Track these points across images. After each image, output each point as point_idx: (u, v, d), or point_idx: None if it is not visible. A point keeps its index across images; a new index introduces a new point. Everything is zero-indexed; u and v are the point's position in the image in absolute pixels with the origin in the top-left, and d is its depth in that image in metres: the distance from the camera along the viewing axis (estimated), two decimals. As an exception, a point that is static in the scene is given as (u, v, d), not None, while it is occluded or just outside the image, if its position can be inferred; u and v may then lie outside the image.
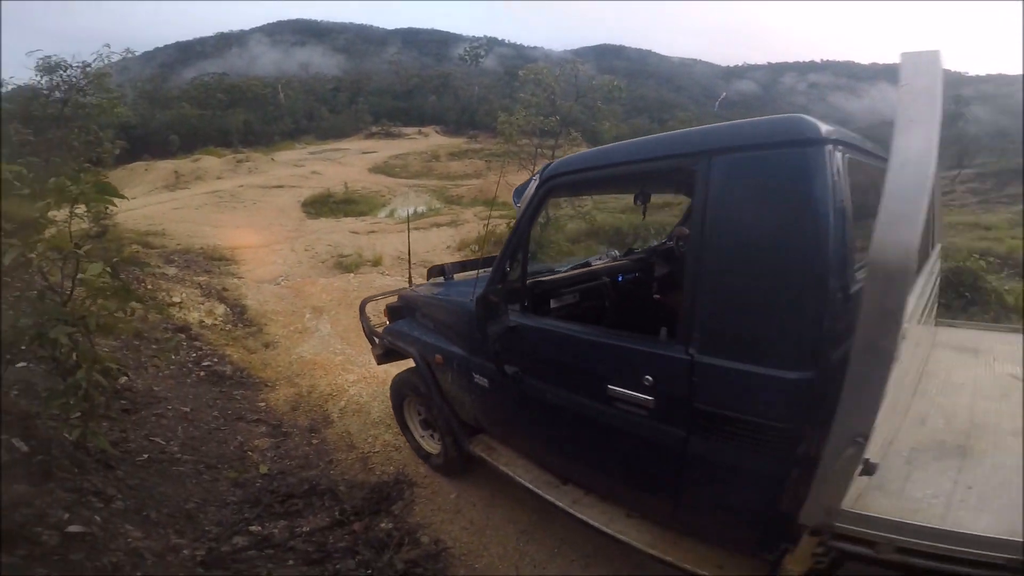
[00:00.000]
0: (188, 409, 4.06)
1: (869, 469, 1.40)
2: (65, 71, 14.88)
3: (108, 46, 14.80)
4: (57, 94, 14.86)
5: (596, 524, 2.21)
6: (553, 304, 2.69)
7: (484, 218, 14.47)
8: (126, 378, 3.61)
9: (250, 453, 3.77)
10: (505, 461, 2.77)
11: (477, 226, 13.66)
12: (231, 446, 3.81)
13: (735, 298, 1.66)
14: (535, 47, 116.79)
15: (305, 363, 5.41)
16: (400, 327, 3.35)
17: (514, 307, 2.42)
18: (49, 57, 14.65)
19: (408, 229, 5.03)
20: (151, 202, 18.73)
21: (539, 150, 21.04)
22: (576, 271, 3.14)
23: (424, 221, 15.49)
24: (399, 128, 46.85)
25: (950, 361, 2.41)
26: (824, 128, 1.51)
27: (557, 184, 2.28)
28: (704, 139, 1.79)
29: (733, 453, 1.66)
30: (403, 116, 50.95)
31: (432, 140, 43.77)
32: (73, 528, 2.26)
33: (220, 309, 6.55)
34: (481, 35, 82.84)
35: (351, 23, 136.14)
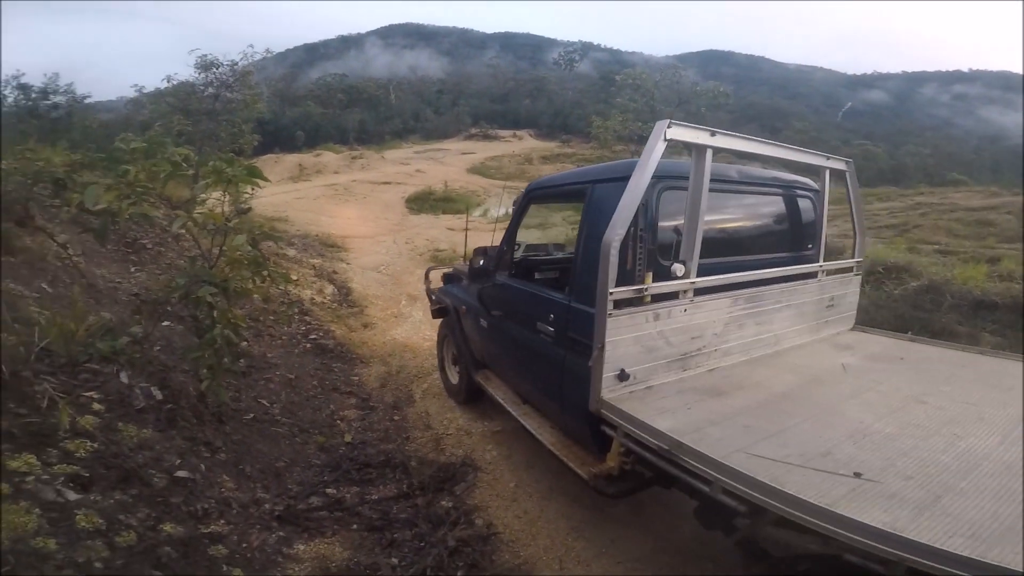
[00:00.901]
0: (293, 376, 4.39)
1: (623, 376, 2.22)
2: (217, 69, 16.68)
3: (252, 46, 16.47)
4: (210, 90, 16.65)
5: (531, 429, 2.99)
6: (535, 274, 3.61)
7: (572, 223, 14.43)
8: (246, 343, 3.99)
9: (339, 422, 4.06)
10: (493, 386, 3.62)
11: (565, 229, 13.55)
12: (324, 414, 4.09)
13: (587, 267, 2.40)
14: (633, 52, 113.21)
15: (397, 345, 5.73)
16: (446, 288, 4.48)
17: (503, 273, 3.41)
18: (206, 55, 16.51)
19: (466, 227, 6.17)
20: (277, 191, 20.44)
21: (635, 156, 20.15)
22: (544, 255, 4.20)
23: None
24: (495, 131, 47.76)
25: (814, 351, 2.92)
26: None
27: (535, 196, 3.39)
28: (594, 173, 2.80)
29: (580, 364, 2.31)
30: (499, 119, 51.82)
31: (526, 143, 44.14)
32: (181, 473, 2.44)
33: (329, 289, 7.12)
34: (576, 40, 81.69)
35: (454, 27, 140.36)
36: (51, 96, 20.26)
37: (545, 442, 2.81)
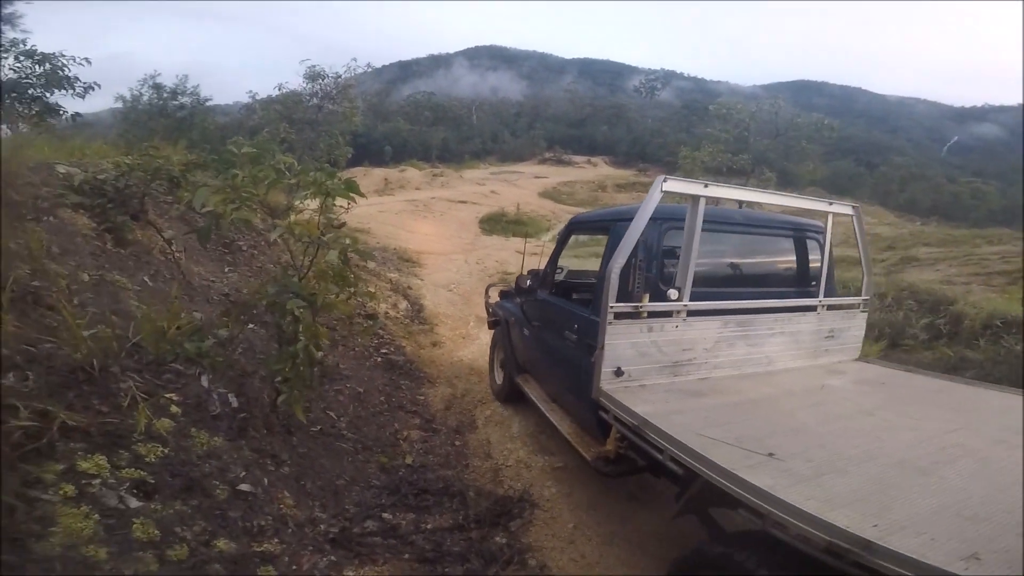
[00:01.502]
0: (362, 391, 4.32)
1: (619, 373, 2.70)
2: (323, 80, 17.48)
3: (355, 60, 17.12)
4: (314, 100, 17.47)
5: (554, 421, 3.47)
6: (571, 293, 3.97)
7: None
8: (322, 353, 3.97)
9: (402, 442, 3.96)
10: (530, 387, 4.09)
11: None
12: (388, 432, 4.01)
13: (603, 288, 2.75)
14: (719, 81, 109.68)
15: (464, 366, 5.59)
16: (501, 303, 5.07)
17: (544, 291, 3.95)
18: (315, 66, 17.39)
19: (524, 250, 6.65)
20: (362, 204, 21.25)
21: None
22: (580, 280, 4.40)
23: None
24: (570, 156, 47.66)
25: (805, 373, 3.20)
26: (658, 211, 2.78)
27: (575, 227, 4.02)
28: (617, 213, 3.40)
29: (590, 364, 2.78)
30: (575, 144, 51.64)
31: (600, 170, 43.64)
32: (243, 487, 2.37)
33: (403, 304, 7.13)
34: (658, 68, 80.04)
35: (534, 51, 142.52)
36: (179, 97, 21.50)
37: (563, 431, 3.31)
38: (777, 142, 19.84)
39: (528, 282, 4.13)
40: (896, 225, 23.80)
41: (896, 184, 34.96)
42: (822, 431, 2.21)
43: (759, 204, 3.64)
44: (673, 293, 2.81)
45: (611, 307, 2.62)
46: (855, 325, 3.64)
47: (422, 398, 4.76)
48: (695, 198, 2.77)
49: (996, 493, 1.64)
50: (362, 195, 3.25)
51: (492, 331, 5.13)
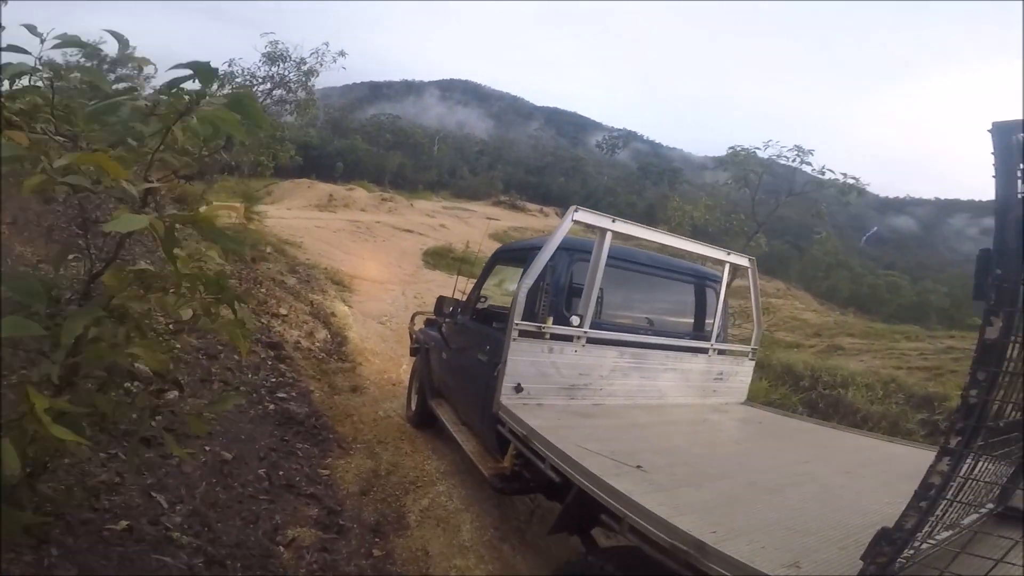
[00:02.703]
0: (230, 456, 3.12)
1: (518, 389, 2.88)
2: (284, 63, 13.86)
3: (327, 45, 13.81)
4: (267, 85, 13.92)
5: (460, 442, 3.58)
6: (492, 320, 4.02)
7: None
8: (176, 394, 2.93)
9: (281, 549, 2.61)
10: (442, 411, 4.20)
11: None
12: (260, 531, 2.65)
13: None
14: (673, 148, 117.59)
15: (392, 426, 4.75)
16: (425, 330, 5.26)
17: (465, 316, 4.14)
18: (278, 45, 13.68)
19: (456, 280, 6.06)
20: (301, 216, 20.49)
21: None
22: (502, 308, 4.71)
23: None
24: (524, 202, 48.20)
25: (693, 409, 3.54)
26: (570, 242, 3.15)
27: (498, 258, 4.21)
28: (535, 242, 3.60)
29: (495, 382, 2.93)
30: (531, 190, 52.72)
31: (550, 220, 43.82)
32: None
33: (322, 334, 6.62)
34: (620, 127, 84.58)
35: (507, 92, 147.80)
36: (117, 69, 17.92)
37: (467, 450, 3.44)
38: (797, 199, 18.09)
39: (451, 308, 4.35)
40: (820, 312, 25.64)
41: (822, 271, 37.61)
42: (691, 452, 2.48)
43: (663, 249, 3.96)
44: (575, 319, 3.06)
45: (516, 324, 2.82)
46: (743, 371, 4.01)
47: (326, 473, 3.55)
48: (603, 231, 3.04)
49: (829, 513, 1.81)
50: (263, 124, 1.85)
51: (414, 359, 5.30)
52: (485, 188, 49.88)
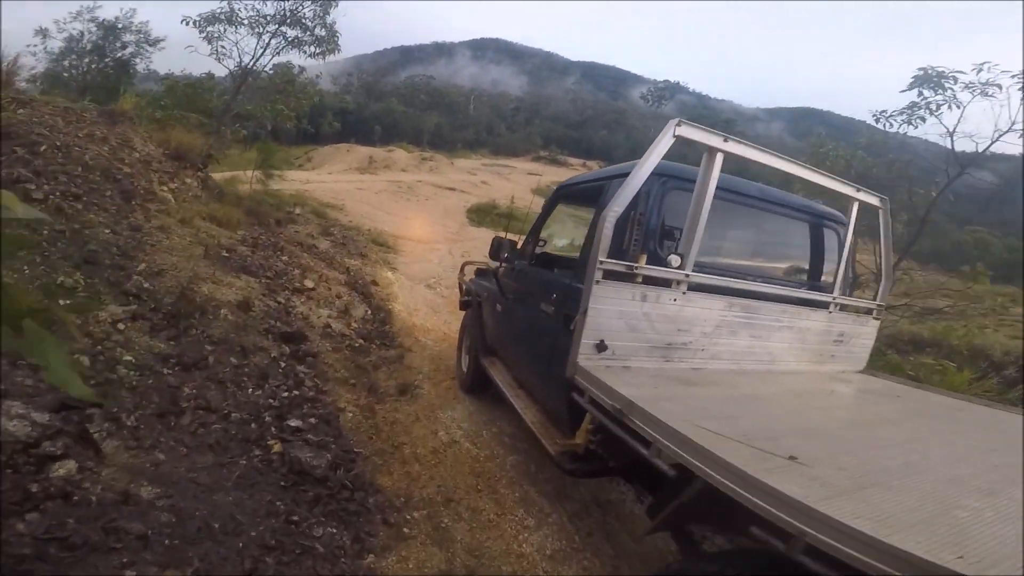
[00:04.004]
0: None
1: (601, 347, 2.23)
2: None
3: None
4: (275, 24, 11.59)
5: (518, 408, 3.07)
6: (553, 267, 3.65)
7: None
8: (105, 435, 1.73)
9: None
10: (496, 371, 3.68)
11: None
12: None
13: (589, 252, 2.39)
14: (722, 100, 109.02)
15: (461, 461, 3.17)
16: (476, 280, 4.55)
17: (523, 262, 3.56)
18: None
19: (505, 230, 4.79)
20: (342, 180, 19.82)
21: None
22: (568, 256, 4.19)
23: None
24: (565, 156, 45.97)
25: (809, 377, 2.82)
26: (663, 167, 2.34)
27: (562, 195, 3.54)
28: (613, 170, 2.81)
29: (567, 339, 2.32)
30: (571, 145, 50.14)
31: (596, 173, 42.18)
32: None
33: (360, 310, 5.06)
34: (662, 79, 77.52)
35: (540, 49, 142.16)
36: (123, 35, 15.52)
37: (527, 420, 2.88)
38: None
39: (506, 253, 3.70)
40: (900, 269, 22.72)
41: (901, 223, 33.93)
42: (843, 437, 1.84)
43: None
44: (675, 259, 2.37)
45: (601, 262, 2.16)
46: (866, 333, 3.27)
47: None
48: (712, 151, 2.34)
49: None
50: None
51: (464, 313, 4.58)
52: (524, 144, 47.75)
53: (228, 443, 2.61)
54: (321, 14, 9.17)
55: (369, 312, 5.09)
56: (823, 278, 3.10)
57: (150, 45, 13.80)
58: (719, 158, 2.34)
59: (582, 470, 2.34)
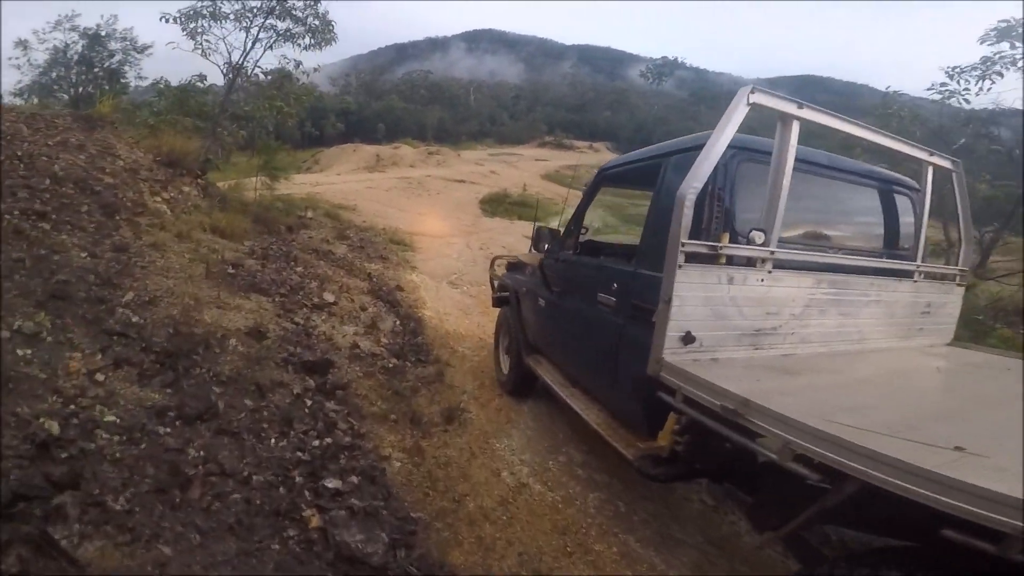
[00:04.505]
0: None
1: (688, 339, 1.99)
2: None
3: None
4: (262, 17, 10.62)
5: (576, 408, 2.79)
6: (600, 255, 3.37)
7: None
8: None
9: None
10: (543, 369, 3.36)
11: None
12: None
13: (656, 232, 2.23)
14: (721, 73, 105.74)
15: (538, 505, 2.62)
16: (510, 274, 4.35)
17: (568, 252, 3.25)
18: None
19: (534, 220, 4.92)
20: (351, 180, 19.28)
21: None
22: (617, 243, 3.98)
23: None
24: (571, 140, 44.76)
25: (902, 355, 2.59)
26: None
27: (605, 176, 3.22)
28: (668, 146, 2.58)
29: (639, 332, 2.17)
30: (575, 128, 48.75)
31: (602, 155, 41.00)
32: None
33: (388, 322, 4.38)
34: (659, 56, 75.09)
35: (533, 36, 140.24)
36: (107, 43, 14.62)
37: (590, 421, 2.63)
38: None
39: (547, 244, 3.39)
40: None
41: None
42: (988, 418, 1.66)
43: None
44: (758, 235, 2.09)
45: (683, 244, 1.91)
46: (952, 301, 3.02)
47: None
48: (788, 119, 2.12)
49: None
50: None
51: (498, 310, 4.35)
52: (528, 131, 46.59)
53: (253, 520, 1.97)
54: (313, 4, 8.44)
55: (398, 323, 4.42)
56: (900, 247, 2.89)
57: (137, 52, 13.14)
58: (795, 126, 2.13)
59: (667, 474, 2.14)
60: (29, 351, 2.03)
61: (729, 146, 2.08)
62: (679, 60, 64.14)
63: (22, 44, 12.61)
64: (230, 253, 3.82)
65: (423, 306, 5.31)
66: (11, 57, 12.36)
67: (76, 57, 12.70)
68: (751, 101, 2.06)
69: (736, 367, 2.02)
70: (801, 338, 2.32)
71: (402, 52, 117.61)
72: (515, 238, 11.43)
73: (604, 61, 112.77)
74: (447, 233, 11.64)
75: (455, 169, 24.79)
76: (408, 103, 44.77)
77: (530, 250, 4.48)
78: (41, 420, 2.00)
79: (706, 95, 49.53)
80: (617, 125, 49.11)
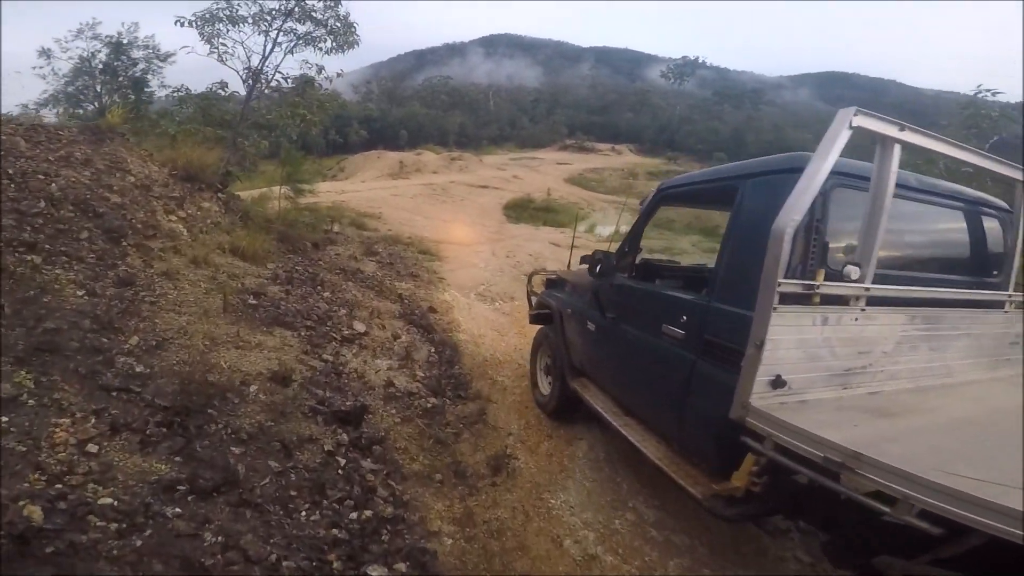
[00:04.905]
0: None
1: (778, 383, 1.88)
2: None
3: None
4: (279, 20, 10.00)
5: (633, 440, 2.61)
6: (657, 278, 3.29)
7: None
8: None
9: None
10: (591, 394, 3.16)
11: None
12: None
13: (736, 264, 2.17)
14: (742, 71, 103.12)
15: None
16: (550, 292, 4.04)
17: (623, 275, 3.08)
18: None
19: (572, 243, 4.70)
20: (375, 187, 19.14)
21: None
22: (675, 264, 4.12)
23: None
24: (592, 142, 44.02)
25: (991, 387, 2.44)
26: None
27: (666, 196, 3.05)
28: (745, 168, 2.39)
29: (716, 370, 2.08)
30: (597, 131, 47.94)
31: (626, 158, 40.20)
32: None
33: (423, 351, 3.97)
34: (678, 56, 73.38)
35: (550, 39, 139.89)
36: (129, 51, 14.26)
37: (650, 456, 2.46)
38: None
39: (599, 266, 3.06)
40: None
41: (963, 182, 31.16)
42: None
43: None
44: (853, 271, 1.99)
45: (780, 283, 1.78)
46: None
47: None
48: (889, 143, 1.98)
49: None
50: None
51: (536, 327, 4.14)
52: (548, 135, 45.99)
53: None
54: (333, 5, 8.01)
55: (433, 351, 4.00)
56: (990, 273, 2.73)
57: (160, 60, 12.90)
58: (896, 150, 2.01)
59: (741, 515, 2.05)
60: (7, 418, 1.67)
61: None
62: (700, 59, 62.51)
63: (45, 53, 12.43)
64: (251, 279, 3.46)
65: (457, 328, 4.88)
66: (35, 66, 12.33)
67: (100, 66, 12.58)
68: (854, 124, 1.91)
69: (827, 409, 1.92)
70: (889, 375, 2.21)
71: (421, 58, 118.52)
72: (541, 245, 11.23)
73: (622, 62, 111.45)
74: (473, 241, 11.36)
75: (478, 174, 24.48)
76: (429, 109, 44.79)
77: (567, 266, 4.45)
78: (21, 505, 1.62)
79: (730, 94, 47.95)
80: (640, 126, 48.03)
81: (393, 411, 2.91)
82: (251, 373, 2.46)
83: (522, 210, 17.05)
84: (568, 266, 4.50)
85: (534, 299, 4.28)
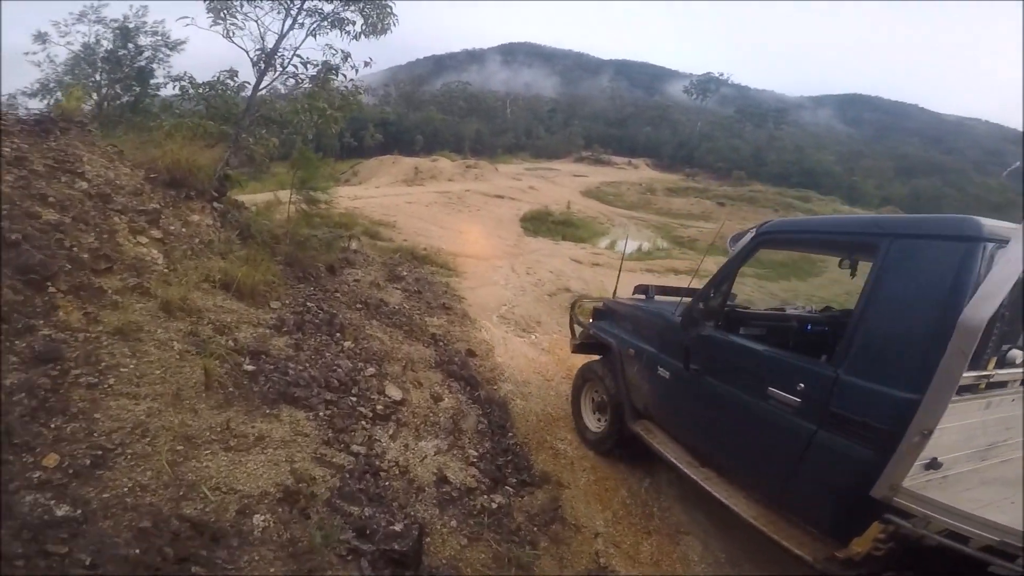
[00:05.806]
0: None
1: (935, 464, 1.87)
2: None
3: None
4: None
5: (718, 496, 2.52)
6: (742, 330, 2.98)
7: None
8: None
9: None
10: (658, 441, 3.04)
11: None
12: None
13: (876, 335, 2.03)
14: (763, 90, 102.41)
15: None
16: (603, 324, 3.81)
17: (709, 323, 2.82)
18: None
19: (620, 268, 4.61)
20: (390, 193, 18.47)
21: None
22: (768, 311, 3.65)
23: (657, 263, 12.29)
24: (609, 155, 43.41)
25: None
26: (986, 228, 1.84)
27: (770, 239, 2.77)
28: (890, 225, 2.22)
29: (846, 445, 2.00)
30: (614, 143, 47.34)
31: (643, 172, 39.44)
32: None
33: (471, 420, 3.10)
34: (700, 72, 72.69)
35: (570, 50, 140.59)
36: (136, 36, 13.10)
37: (744, 515, 2.38)
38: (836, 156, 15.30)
39: (682, 318, 2.89)
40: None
41: (976, 211, 30.32)
42: None
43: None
44: (1018, 355, 2.05)
45: (963, 377, 1.73)
46: None
47: None
48: None
49: None
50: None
51: (577, 355, 4.02)
52: (564, 146, 45.30)
53: None
54: None
55: (481, 416, 3.15)
56: None
57: (169, 48, 11.74)
58: None
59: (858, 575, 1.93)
60: None
61: (981, 238, 1.82)
62: (722, 76, 61.89)
63: (41, 38, 11.18)
64: (248, 330, 2.60)
65: (501, 376, 4.05)
66: (29, 52, 11.05)
67: (103, 53, 11.41)
68: None
69: (972, 484, 1.93)
70: (1014, 446, 2.22)
71: (440, 64, 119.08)
72: (562, 261, 10.76)
73: (642, 76, 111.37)
74: (491, 254, 10.89)
75: (493, 183, 23.84)
76: (446, 114, 44.36)
77: (614, 293, 4.36)
78: None
79: (752, 112, 47.28)
80: (659, 141, 47.29)
81: (454, 523, 2.07)
82: (252, 494, 1.61)
83: (540, 223, 16.50)
84: (614, 294, 4.36)
85: (578, 328, 4.10)
